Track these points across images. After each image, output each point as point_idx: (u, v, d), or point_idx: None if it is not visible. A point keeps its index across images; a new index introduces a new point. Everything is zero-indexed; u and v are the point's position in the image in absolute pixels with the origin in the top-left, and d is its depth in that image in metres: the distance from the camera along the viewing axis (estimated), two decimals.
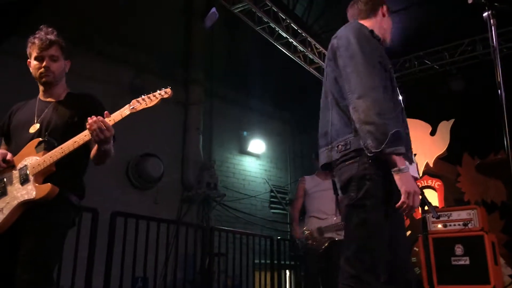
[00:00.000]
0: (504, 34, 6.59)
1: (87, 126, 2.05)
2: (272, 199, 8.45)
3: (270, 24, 6.44)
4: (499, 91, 2.16)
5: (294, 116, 9.11)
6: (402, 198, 1.76)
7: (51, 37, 2.32)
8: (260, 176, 8.38)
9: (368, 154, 1.81)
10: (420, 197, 3.31)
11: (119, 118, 2.10)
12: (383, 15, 2.25)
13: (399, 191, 1.79)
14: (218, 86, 7.91)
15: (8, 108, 2.51)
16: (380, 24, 2.23)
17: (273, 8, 6.34)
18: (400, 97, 2.15)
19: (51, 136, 2.24)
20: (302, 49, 7.03)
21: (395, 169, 1.78)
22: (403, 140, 1.82)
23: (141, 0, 6.71)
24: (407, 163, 1.92)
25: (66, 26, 5.29)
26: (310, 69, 7.39)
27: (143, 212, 4.92)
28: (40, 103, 2.39)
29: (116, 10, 6.32)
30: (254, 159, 8.35)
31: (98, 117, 2.06)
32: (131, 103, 2.10)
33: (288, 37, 6.73)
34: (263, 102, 8.48)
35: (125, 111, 2.10)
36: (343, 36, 2.04)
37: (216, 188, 6.99)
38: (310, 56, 7.15)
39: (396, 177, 1.79)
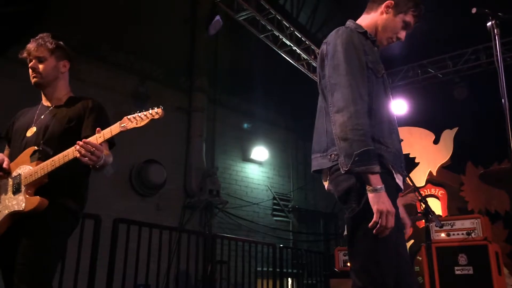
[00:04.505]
0: (508, 44, 6.58)
1: (75, 153, 2.05)
2: (274, 207, 8.43)
3: (274, 32, 6.47)
4: (502, 100, 2.16)
5: (297, 124, 9.12)
6: (374, 218, 1.71)
7: (39, 40, 2.35)
8: (262, 184, 8.37)
9: (341, 172, 1.78)
10: (424, 206, 3.27)
11: (109, 135, 2.08)
12: (382, 13, 2.11)
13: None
14: (221, 93, 7.94)
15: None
16: (376, 22, 2.12)
17: (276, 16, 6.37)
18: (392, 103, 2.09)
19: (47, 144, 2.24)
20: (305, 57, 7.05)
21: (370, 188, 1.73)
22: (376, 159, 1.76)
23: (146, 9, 6.76)
24: (398, 174, 1.90)
25: (71, 34, 5.37)
26: (314, 77, 7.40)
27: (145, 219, 4.92)
28: (42, 107, 2.41)
29: (122, 19, 6.38)
30: (257, 166, 8.35)
31: (85, 140, 2.04)
32: (122, 121, 2.08)
33: (292, 45, 6.75)
34: (266, 109, 8.50)
35: (116, 128, 2.08)
36: (331, 42, 1.97)
37: (218, 195, 6.98)
38: (314, 64, 7.17)
39: (370, 196, 1.73)
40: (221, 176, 7.43)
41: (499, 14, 2.30)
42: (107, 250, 4.18)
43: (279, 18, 6.42)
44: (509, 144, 2.04)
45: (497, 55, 2.21)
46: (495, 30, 2.29)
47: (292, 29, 6.65)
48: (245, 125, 8.08)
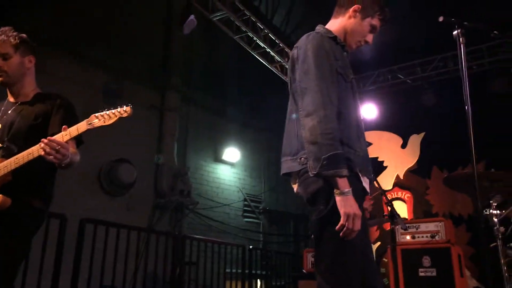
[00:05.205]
0: (474, 52, 6.82)
1: (40, 151, 2.00)
2: (245, 208, 8.44)
3: (248, 34, 6.48)
4: (466, 107, 2.24)
5: (270, 125, 9.15)
6: (341, 221, 1.74)
7: (1, 36, 2.26)
8: (234, 185, 8.37)
9: (310, 175, 1.81)
10: (389, 208, 3.34)
11: (75, 133, 2.05)
12: (349, 17, 2.14)
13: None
14: (195, 93, 7.89)
15: None
16: (344, 26, 2.15)
17: (251, 18, 6.39)
18: (361, 108, 2.13)
19: (12, 141, 2.18)
20: (279, 59, 7.10)
21: (337, 191, 1.77)
22: (344, 162, 1.79)
23: (121, 4, 6.65)
24: (365, 178, 1.94)
25: (40, 26, 5.24)
26: (287, 79, 7.45)
27: (114, 219, 4.84)
28: (7, 103, 2.35)
29: (96, 13, 6.26)
30: (229, 167, 8.34)
31: (50, 137, 2.00)
32: (89, 119, 2.05)
33: (266, 47, 6.79)
34: (239, 110, 8.50)
35: (83, 126, 2.05)
36: (302, 46, 2.00)
37: (189, 196, 6.94)
38: (287, 66, 7.22)
39: (337, 199, 1.76)
40: (192, 176, 7.38)
41: (465, 23, 2.38)
42: (72, 251, 4.10)
43: (254, 19, 6.44)
44: (471, 150, 2.12)
45: (461, 63, 2.29)
46: (461, 39, 2.37)
47: (266, 31, 6.69)
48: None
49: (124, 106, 2.03)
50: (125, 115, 2.03)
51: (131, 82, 6.72)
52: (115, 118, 2.03)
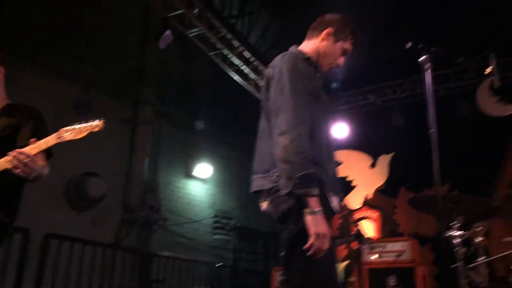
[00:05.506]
0: (442, 76, 7.07)
1: (7, 164, 1.97)
2: (216, 225, 8.37)
3: (223, 51, 6.53)
4: (431, 130, 2.32)
5: (243, 141, 9.17)
6: (311, 240, 1.76)
7: None
8: (205, 201, 8.31)
9: (281, 194, 1.83)
10: (356, 228, 3.41)
11: (44, 147, 2.02)
12: (322, 40, 2.20)
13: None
14: (169, 107, 7.85)
15: None
16: (317, 48, 2.20)
17: (227, 35, 6.44)
18: (332, 128, 2.18)
19: None
20: (254, 76, 7.17)
21: (308, 210, 1.78)
22: (316, 182, 1.81)
23: (94, 15, 6.59)
24: (334, 197, 1.97)
25: (11, 38, 5.13)
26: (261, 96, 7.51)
27: (81, 235, 4.72)
28: None
29: (68, 24, 6.18)
30: (200, 183, 8.28)
31: (19, 150, 1.97)
32: (59, 132, 2.02)
33: (241, 64, 6.84)
34: (213, 126, 8.50)
35: (52, 140, 2.02)
36: (277, 66, 2.04)
37: (159, 211, 6.84)
38: (261, 84, 7.29)
39: (308, 218, 1.78)
40: (163, 191, 7.29)
41: (432, 49, 2.48)
42: (35, 267, 3.97)
43: (230, 36, 6.50)
44: (435, 172, 2.20)
45: (426, 87, 2.39)
46: (427, 64, 2.47)
47: (241, 48, 6.75)
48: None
49: (96, 120, 2.01)
50: (96, 129, 2.01)
51: (103, 95, 6.63)
52: (86, 133, 2.01)
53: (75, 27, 6.30)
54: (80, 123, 2.02)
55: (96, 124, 2.00)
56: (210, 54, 6.52)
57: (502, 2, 5.87)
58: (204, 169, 8.11)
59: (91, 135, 2.03)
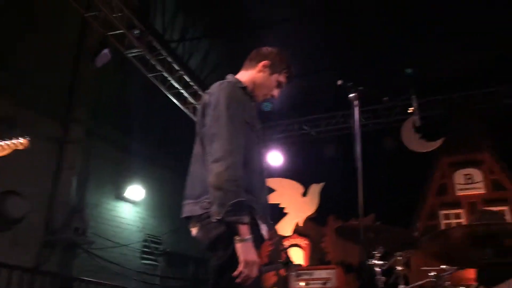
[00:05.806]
0: (372, 111, 7.52)
1: None
2: (144, 249, 8.11)
3: (163, 73, 6.50)
4: (357, 163, 2.46)
5: (176, 164, 9.04)
6: (240, 268, 1.78)
7: None
8: (135, 224, 8.04)
9: (212, 220, 1.84)
10: (285, 255, 3.48)
11: None
12: (259, 71, 2.27)
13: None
14: (101, 126, 7.59)
15: None
16: (253, 79, 2.26)
17: (167, 58, 6.44)
18: (265, 157, 2.25)
19: None
20: (192, 101, 7.17)
21: (238, 238, 1.81)
22: (247, 210, 1.84)
23: (24, 30, 6.29)
24: (264, 225, 2.01)
25: None
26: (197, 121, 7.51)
27: None
28: None
29: None
30: (131, 206, 8.01)
31: None
32: None
33: (179, 88, 6.84)
34: (146, 147, 8.32)
35: None
36: (215, 93, 2.08)
37: (84, 234, 6.51)
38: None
39: (237, 245, 1.80)
40: (90, 213, 6.97)
41: (360, 88, 2.65)
42: None
43: (170, 60, 6.49)
44: (359, 203, 2.32)
45: (354, 123, 2.54)
46: (355, 101, 2.64)
47: (181, 72, 6.76)
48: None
49: (21, 138, 1.93)
50: (21, 147, 1.93)
51: (30, 111, 6.28)
52: (9, 150, 1.93)
53: (7, 37, 5.98)
54: (3, 140, 1.92)
55: (21, 142, 1.93)
56: (149, 75, 6.47)
57: (421, 50, 6.42)
58: (135, 191, 7.88)
59: (15, 152, 1.94)
